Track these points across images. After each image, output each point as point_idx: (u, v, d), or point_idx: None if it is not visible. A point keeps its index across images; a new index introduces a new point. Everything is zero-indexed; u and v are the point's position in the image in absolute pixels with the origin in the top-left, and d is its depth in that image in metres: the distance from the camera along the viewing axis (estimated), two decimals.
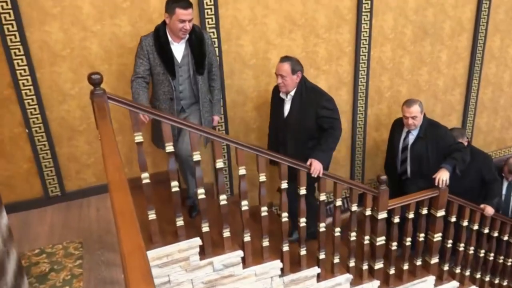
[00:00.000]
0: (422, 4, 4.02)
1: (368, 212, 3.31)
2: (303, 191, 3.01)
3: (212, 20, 3.33)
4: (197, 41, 2.96)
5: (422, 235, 3.52)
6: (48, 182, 3.29)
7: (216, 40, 3.39)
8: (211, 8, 3.30)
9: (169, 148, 2.62)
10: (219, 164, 2.78)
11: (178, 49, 2.95)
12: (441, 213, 3.48)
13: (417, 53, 4.21)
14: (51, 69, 3.07)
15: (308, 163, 2.98)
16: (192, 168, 3.00)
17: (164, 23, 2.89)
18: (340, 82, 3.98)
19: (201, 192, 2.78)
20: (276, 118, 3.33)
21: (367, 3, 3.76)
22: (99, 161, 3.39)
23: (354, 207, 3.29)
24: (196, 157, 2.69)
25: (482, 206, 3.71)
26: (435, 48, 4.27)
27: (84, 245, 2.87)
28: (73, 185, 3.39)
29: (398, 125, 3.72)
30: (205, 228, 2.86)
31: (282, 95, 3.20)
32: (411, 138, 3.61)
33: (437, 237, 3.58)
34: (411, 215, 3.42)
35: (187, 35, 2.92)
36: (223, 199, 2.86)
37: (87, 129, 3.28)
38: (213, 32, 3.36)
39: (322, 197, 3.11)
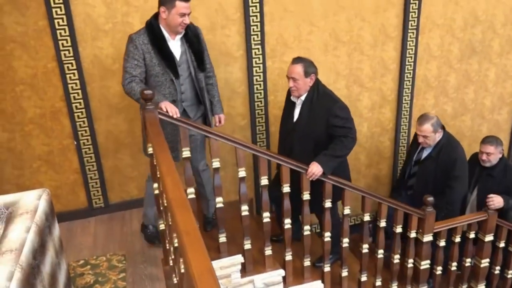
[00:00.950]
0: (470, 22, 3.92)
1: (412, 234, 3.21)
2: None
3: (257, 37, 3.35)
4: (194, 37, 2.77)
5: (469, 260, 3.38)
6: (92, 194, 3.35)
7: (260, 56, 3.40)
8: (257, 25, 3.32)
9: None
10: (264, 181, 2.75)
11: (175, 46, 2.73)
12: (489, 237, 3.34)
13: (464, 71, 4.10)
14: (101, 84, 3.14)
15: (310, 167, 2.76)
16: (205, 179, 2.97)
17: (155, 18, 2.65)
18: (383, 100, 3.91)
19: (244, 209, 2.75)
20: (285, 122, 3.09)
21: (414, 21, 3.70)
22: (142, 174, 3.43)
23: (398, 229, 3.19)
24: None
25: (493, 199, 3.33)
26: (483, 66, 4.15)
27: (127, 258, 2.90)
28: (116, 197, 3.44)
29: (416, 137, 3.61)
30: (247, 245, 2.83)
31: (293, 98, 2.96)
32: (424, 153, 3.46)
33: (485, 262, 3.43)
34: (457, 239, 3.30)
35: (183, 31, 2.72)
36: (266, 216, 2.83)
37: (132, 143, 3.33)
38: (258, 49, 3.38)
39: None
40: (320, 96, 2.89)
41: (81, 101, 3.11)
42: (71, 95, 3.08)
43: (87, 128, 3.18)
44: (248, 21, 3.30)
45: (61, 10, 2.87)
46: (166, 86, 2.69)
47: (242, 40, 3.35)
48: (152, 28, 2.63)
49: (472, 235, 3.34)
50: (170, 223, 1.76)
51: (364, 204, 3.01)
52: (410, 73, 3.87)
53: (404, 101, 3.96)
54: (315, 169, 2.74)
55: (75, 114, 3.13)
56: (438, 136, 3.34)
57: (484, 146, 3.53)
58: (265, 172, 2.74)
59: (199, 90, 2.83)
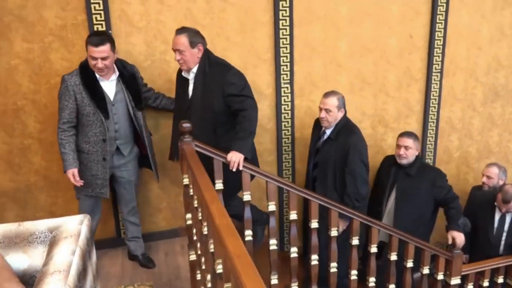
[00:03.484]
0: (493, 66, 4.02)
1: (440, 276, 3.16)
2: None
3: (287, 76, 3.48)
4: (129, 77, 2.87)
5: None
6: (121, 224, 3.41)
7: (289, 94, 3.52)
8: (286, 65, 3.46)
9: (247, 197, 2.66)
10: (293, 215, 2.78)
11: (109, 86, 2.83)
12: None
13: (488, 114, 4.15)
14: None
15: (228, 158, 2.55)
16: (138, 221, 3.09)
17: None
18: None
19: (273, 243, 2.77)
20: (180, 103, 2.88)
21: (438, 64, 3.81)
22: (170, 206, 3.50)
23: (426, 270, 3.16)
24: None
25: (449, 235, 3.23)
26: (506, 110, 4.20)
27: (155, 286, 2.91)
28: (144, 228, 3.47)
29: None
30: (274, 280, 2.83)
31: (185, 74, 2.79)
32: (323, 138, 3.28)
33: None
34: (485, 283, 3.24)
35: (117, 72, 2.83)
36: (294, 251, 2.84)
37: (163, 174, 3.41)
38: (287, 87, 3.50)
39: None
40: (213, 65, 2.75)
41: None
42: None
43: None
44: (278, 61, 3.44)
45: (99, 6, 3.00)
46: (97, 125, 2.80)
47: (272, 79, 3.48)
48: (84, 70, 2.76)
49: (500, 280, 3.29)
50: (211, 251, 1.81)
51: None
52: (434, 114, 3.94)
53: (428, 142, 4.01)
54: (235, 157, 2.53)
55: None
56: (340, 115, 3.18)
57: (401, 139, 3.40)
58: (294, 207, 2.78)
59: (138, 128, 2.93)
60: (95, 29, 3.02)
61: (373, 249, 2.94)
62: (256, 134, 3.50)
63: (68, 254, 1.79)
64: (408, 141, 3.36)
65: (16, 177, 3.18)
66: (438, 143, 4.06)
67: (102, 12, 3.01)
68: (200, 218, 2.09)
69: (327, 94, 3.16)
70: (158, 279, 3.02)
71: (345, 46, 3.59)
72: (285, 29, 3.39)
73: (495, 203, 3.72)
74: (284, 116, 3.58)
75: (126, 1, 3.07)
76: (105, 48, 2.67)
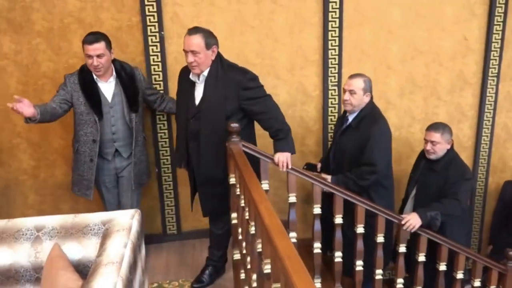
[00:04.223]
0: None
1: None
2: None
3: (334, 78, 3.44)
4: (127, 78, 2.84)
5: None
6: (167, 220, 3.49)
7: (336, 96, 3.48)
8: (334, 67, 3.42)
9: (292, 199, 2.64)
10: (338, 219, 2.75)
11: (107, 88, 2.82)
12: None
13: None
14: None
15: (275, 159, 2.57)
16: None
17: None
18: (460, 146, 3.81)
19: (317, 247, 2.75)
20: (184, 108, 2.68)
21: (494, 68, 3.64)
22: None
23: (477, 283, 3.03)
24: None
25: (406, 215, 2.87)
26: None
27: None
28: (189, 225, 3.56)
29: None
30: (318, 284, 2.81)
31: (192, 77, 2.62)
32: (345, 125, 3.05)
33: None
34: None
35: (114, 73, 2.83)
36: (338, 256, 2.81)
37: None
38: (334, 90, 3.46)
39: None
40: (226, 68, 2.60)
41: (165, 131, 3.31)
42: (158, 126, 3.29)
43: (168, 157, 3.36)
44: (326, 63, 3.41)
45: (153, 8, 3.08)
46: (89, 125, 2.78)
47: (319, 81, 3.45)
48: (83, 71, 2.79)
49: None
50: (258, 250, 1.81)
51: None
52: (489, 120, 3.77)
53: (482, 149, 3.83)
54: (282, 157, 2.58)
55: (159, 143, 3.33)
56: (366, 99, 2.93)
57: (428, 133, 3.08)
58: (340, 211, 2.75)
59: (131, 131, 2.87)
60: (149, 30, 3.12)
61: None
62: (301, 136, 3.52)
63: (120, 247, 1.85)
64: (435, 136, 3.03)
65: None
66: (493, 151, 3.87)
67: (155, 14, 3.10)
68: (247, 217, 2.10)
69: (352, 75, 2.96)
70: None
71: (396, 49, 3.50)
72: (334, 30, 3.35)
73: None
74: (331, 119, 3.53)
75: (178, 3, 3.15)
76: (99, 46, 2.67)
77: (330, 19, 3.33)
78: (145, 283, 2.26)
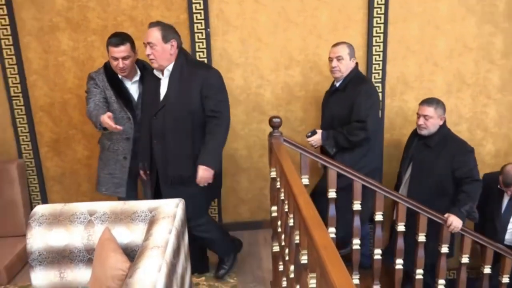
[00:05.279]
0: None
1: (505, 279, 2.91)
2: (422, 237, 2.72)
3: (378, 75, 3.42)
4: None
5: None
6: (210, 212, 3.60)
7: (380, 93, 3.44)
8: (379, 64, 3.40)
9: (332, 194, 2.66)
10: (379, 217, 2.74)
11: (132, 88, 2.80)
12: None
13: None
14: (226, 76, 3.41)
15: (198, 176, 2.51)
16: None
17: None
18: (511, 147, 3.68)
19: (377, 253, 2.75)
20: (149, 105, 2.63)
21: None
22: (255, 199, 3.62)
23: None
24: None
25: (446, 215, 2.81)
26: None
27: (238, 275, 3.04)
28: (229, 217, 3.66)
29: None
30: (356, 280, 2.81)
31: (156, 72, 2.58)
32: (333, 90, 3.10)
33: None
34: None
35: (139, 73, 2.79)
36: (377, 253, 2.80)
37: (250, 168, 3.55)
38: (378, 86, 3.43)
39: (400, 227, 2.72)
40: (190, 64, 2.58)
41: None
42: None
43: None
44: (370, 60, 3.39)
45: (199, 6, 3.19)
46: (122, 123, 2.69)
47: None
48: (107, 70, 2.77)
49: None
50: (295, 242, 1.86)
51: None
52: None
53: None
54: (205, 175, 2.53)
55: None
56: (352, 64, 2.98)
57: (421, 107, 3.03)
58: (381, 208, 2.74)
59: None
60: (195, 27, 3.23)
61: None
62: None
63: (165, 233, 1.96)
64: (428, 110, 2.99)
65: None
66: None
67: (202, 12, 3.21)
68: (286, 210, 2.16)
69: (336, 43, 2.99)
70: (242, 267, 3.14)
71: (443, 45, 3.42)
72: (379, 27, 3.33)
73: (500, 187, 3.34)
74: (409, 136, 3.50)
75: (224, 0, 3.24)
76: (125, 48, 2.67)
77: (375, 15, 3.30)
78: (188, 269, 2.37)
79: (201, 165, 2.53)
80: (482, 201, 3.17)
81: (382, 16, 3.30)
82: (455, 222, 2.78)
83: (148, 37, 2.49)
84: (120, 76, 2.79)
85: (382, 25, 3.32)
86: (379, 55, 3.38)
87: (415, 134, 3.17)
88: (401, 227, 2.74)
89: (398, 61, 3.43)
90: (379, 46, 3.36)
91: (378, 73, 3.41)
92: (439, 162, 2.98)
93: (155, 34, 2.48)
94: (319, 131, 3.01)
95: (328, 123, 3.08)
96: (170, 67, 2.54)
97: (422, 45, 3.41)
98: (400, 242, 2.77)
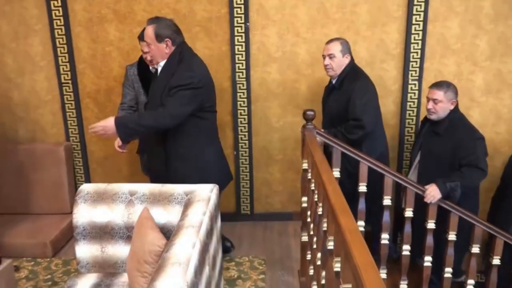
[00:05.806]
0: None
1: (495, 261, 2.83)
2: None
3: (415, 73, 3.41)
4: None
5: None
6: (242, 201, 3.72)
7: (416, 91, 3.44)
8: (416, 61, 3.38)
9: (363, 188, 2.71)
10: (409, 213, 2.76)
11: None
12: None
13: None
14: (263, 104, 3.53)
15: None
16: None
17: None
18: None
19: (384, 238, 2.78)
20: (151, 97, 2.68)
21: None
22: (287, 191, 3.70)
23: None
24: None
25: (427, 186, 2.69)
26: None
27: (267, 262, 3.14)
28: (261, 208, 3.75)
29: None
30: (383, 275, 2.84)
31: (152, 68, 2.69)
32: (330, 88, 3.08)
33: None
34: None
35: (155, 67, 2.74)
36: (406, 249, 2.82)
37: (283, 160, 3.63)
38: (414, 84, 3.43)
39: (408, 213, 2.70)
40: (179, 62, 2.50)
41: (246, 117, 3.52)
42: (238, 111, 3.52)
43: (246, 142, 3.58)
44: (407, 57, 3.38)
45: (240, 0, 3.30)
46: None
47: (400, 75, 3.44)
48: (141, 62, 2.97)
49: None
50: (323, 229, 1.93)
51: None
52: None
53: None
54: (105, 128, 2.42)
55: (239, 128, 3.55)
56: (345, 61, 2.93)
57: (431, 91, 2.89)
58: (411, 204, 2.75)
59: None
60: (235, 21, 3.33)
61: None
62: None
63: (200, 214, 2.07)
64: (438, 93, 2.84)
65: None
66: None
67: (242, 6, 3.31)
68: (315, 199, 2.23)
69: (329, 40, 2.97)
70: (271, 255, 3.24)
71: (484, 44, 3.36)
72: (418, 24, 3.31)
73: None
74: (409, 114, 3.50)
75: None
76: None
77: (414, 12, 3.29)
78: (219, 252, 2.48)
79: (113, 118, 2.40)
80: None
81: (422, 13, 3.29)
82: (433, 192, 2.68)
83: (145, 35, 2.53)
84: (150, 68, 2.95)
85: (421, 23, 3.31)
86: (417, 52, 3.36)
87: (426, 120, 3.05)
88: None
89: (436, 59, 3.41)
90: (417, 43, 3.35)
91: (415, 71, 3.40)
92: (447, 150, 2.86)
93: (149, 33, 2.48)
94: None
95: (327, 120, 3.09)
96: (162, 64, 2.54)
97: (462, 44, 3.37)
98: (429, 240, 2.77)
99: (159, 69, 2.56)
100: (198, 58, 2.63)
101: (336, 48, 2.92)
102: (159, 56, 2.51)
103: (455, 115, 2.90)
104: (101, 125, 2.37)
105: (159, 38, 2.47)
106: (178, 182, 2.39)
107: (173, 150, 2.61)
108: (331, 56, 2.92)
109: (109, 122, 2.36)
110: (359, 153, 2.64)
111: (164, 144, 2.60)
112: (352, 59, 3.00)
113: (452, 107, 2.88)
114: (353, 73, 2.95)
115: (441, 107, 2.86)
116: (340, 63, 2.93)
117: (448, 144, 2.86)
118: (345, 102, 2.90)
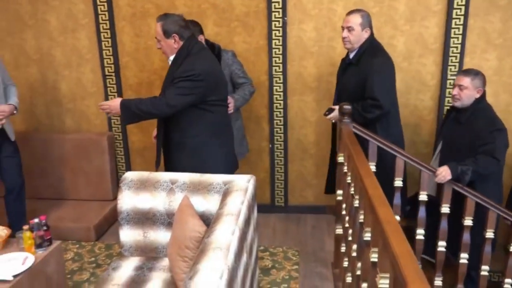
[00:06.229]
0: None
1: None
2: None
3: (454, 68, 3.36)
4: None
5: None
6: (276, 193, 3.78)
7: None
8: (456, 56, 3.33)
9: (398, 183, 2.71)
10: (445, 209, 2.74)
11: None
12: None
13: None
14: (299, 98, 3.57)
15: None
16: None
17: None
18: None
19: (420, 233, 2.78)
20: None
21: None
22: (321, 184, 3.71)
23: None
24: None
25: (439, 168, 2.66)
26: None
27: (300, 253, 3.20)
28: (295, 200, 3.81)
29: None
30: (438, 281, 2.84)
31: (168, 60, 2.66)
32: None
33: None
34: None
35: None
36: (441, 245, 2.81)
37: (317, 154, 3.67)
38: (453, 79, 3.37)
39: (467, 222, 2.65)
40: (187, 56, 2.54)
41: (281, 110, 3.57)
42: (274, 105, 3.58)
43: (282, 135, 3.63)
44: (447, 52, 3.34)
45: None
46: None
47: (438, 70, 3.40)
48: None
49: None
50: (360, 221, 1.97)
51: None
52: None
53: None
54: (112, 104, 2.54)
55: (275, 121, 3.61)
56: (365, 35, 2.81)
57: (458, 77, 2.81)
58: (448, 200, 2.73)
59: None
60: (273, 16, 3.38)
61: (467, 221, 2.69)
62: (414, 125, 3.50)
63: (238, 203, 2.15)
64: (464, 80, 2.76)
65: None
66: None
67: (280, 1, 3.35)
68: (352, 192, 2.26)
69: (350, 12, 2.84)
70: (304, 247, 3.29)
71: None
72: (459, 18, 3.26)
73: None
74: (447, 109, 3.45)
75: None
76: (156, 30, 2.64)
77: (455, 6, 3.24)
78: (256, 240, 2.56)
79: (120, 99, 2.54)
80: None
81: (463, 7, 3.23)
82: (444, 172, 2.65)
83: (155, 32, 2.60)
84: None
85: (462, 17, 3.25)
86: (456, 47, 3.31)
87: (452, 109, 2.99)
88: (468, 222, 2.71)
89: (477, 54, 3.34)
90: (457, 38, 3.30)
91: (455, 65, 3.35)
92: (466, 139, 2.81)
93: (158, 30, 2.54)
94: (336, 107, 2.88)
95: (343, 98, 2.94)
96: (171, 58, 2.61)
97: (504, 39, 3.30)
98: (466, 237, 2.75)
99: (169, 63, 2.63)
100: (206, 53, 2.68)
101: (355, 20, 2.80)
102: (169, 51, 2.58)
103: (480, 105, 2.82)
104: (108, 103, 2.53)
105: (166, 34, 2.52)
106: (176, 171, 2.55)
107: (176, 138, 2.67)
108: (349, 29, 2.81)
109: (116, 102, 2.51)
110: (394, 147, 2.65)
111: (169, 134, 2.69)
112: (372, 34, 2.88)
113: (477, 95, 2.80)
114: (372, 49, 2.84)
115: (466, 94, 2.79)
116: (358, 36, 2.82)
117: (467, 133, 2.81)
118: (362, 79, 2.80)
